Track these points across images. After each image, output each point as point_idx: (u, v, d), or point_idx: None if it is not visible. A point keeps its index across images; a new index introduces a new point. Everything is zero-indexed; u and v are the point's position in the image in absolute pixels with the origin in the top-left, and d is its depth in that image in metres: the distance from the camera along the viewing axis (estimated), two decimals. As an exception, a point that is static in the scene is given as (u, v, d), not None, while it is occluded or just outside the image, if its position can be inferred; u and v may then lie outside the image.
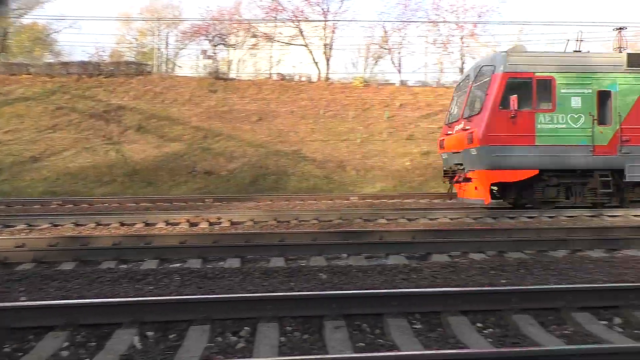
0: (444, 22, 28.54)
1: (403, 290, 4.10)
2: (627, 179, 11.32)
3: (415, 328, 3.78)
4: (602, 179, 11.18)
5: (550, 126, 11.17)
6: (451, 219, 10.47)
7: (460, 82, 13.67)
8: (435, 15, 32.19)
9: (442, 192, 16.10)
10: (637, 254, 6.50)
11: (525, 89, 11.13)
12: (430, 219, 10.37)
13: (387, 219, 10.26)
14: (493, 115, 10.96)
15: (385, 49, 32.72)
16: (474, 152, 11.16)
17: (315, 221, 10.08)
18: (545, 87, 11.27)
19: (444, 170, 13.08)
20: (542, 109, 11.27)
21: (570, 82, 11.32)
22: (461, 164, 11.95)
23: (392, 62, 33.24)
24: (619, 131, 11.32)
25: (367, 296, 3.89)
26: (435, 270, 5.44)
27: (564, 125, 11.22)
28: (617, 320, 4.05)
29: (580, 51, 12.32)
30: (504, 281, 4.95)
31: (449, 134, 12.66)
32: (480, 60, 14.30)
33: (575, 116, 11.28)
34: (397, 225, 9.59)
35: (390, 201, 15.46)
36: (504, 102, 10.99)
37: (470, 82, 12.08)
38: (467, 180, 11.63)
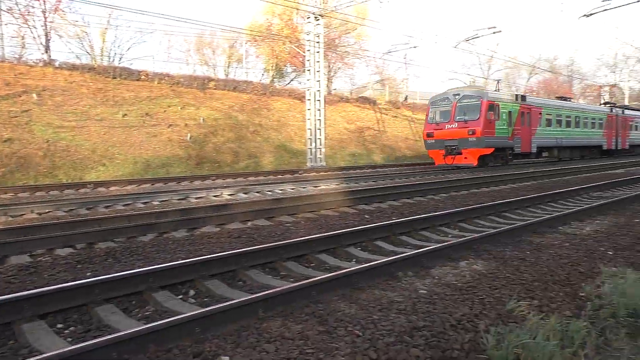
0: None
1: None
2: (515, 152, 23.02)
3: (-21, 347, 3.31)
4: (509, 151, 22.72)
5: (498, 127, 21.49)
6: (39, 213, 9.59)
7: (435, 100, 22.90)
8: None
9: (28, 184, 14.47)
10: (211, 230, 7.50)
11: (493, 109, 21.26)
12: (13, 216, 9.22)
13: (-47, 221, 8.55)
14: (485, 121, 20.67)
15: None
16: (473, 139, 20.61)
17: None
18: (497, 108, 21.54)
19: (430, 149, 22.54)
20: (496, 119, 21.31)
21: (503, 106, 21.93)
22: (454, 146, 21.14)
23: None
24: (513, 130, 22.44)
25: None
26: (12, 274, 4.89)
27: (501, 127, 21.69)
28: (192, 292, 4.59)
29: (498, 90, 25.24)
30: (89, 274, 4.88)
31: (440, 130, 21.77)
32: (456, 90, 22.88)
33: (504, 122, 21.85)
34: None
35: (-40, 199, 12.92)
36: (487, 115, 20.84)
37: (454, 102, 21.63)
38: (459, 153, 20.99)
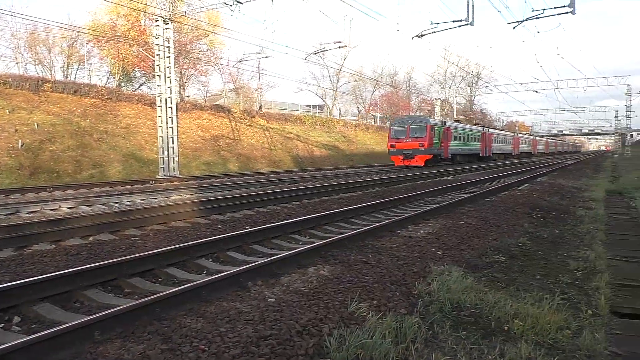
0: None
1: None
2: (442, 157, 33.03)
3: None
4: (439, 157, 32.33)
5: (435, 142, 31.09)
6: None
7: (395, 123, 33.64)
8: None
9: None
10: (45, 248, 6.79)
11: (432, 130, 30.97)
12: None
13: None
14: (429, 138, 30.10)
15: None
16: (422, 149, 29.89)
17: None
18: (435, 129, 31.42)
19: (392, 155, 32.05)
20: (433, 136, 30.92)
21: (436, 128, 31.61)
22: (410, 153, 30.33)
23: None
24: (441, 144, 32.16)
25: None
26: None
27: (436, 142, 31.28)
28: (17, 319, 4.10)
29: (432, 118, 40.77)
30: None
31: (400, 143, 31.09)
32: (409, 117, 35.00)
33: (437, 138, 31.39)
34: None
35: None
36: (430, 134, 30.42)
37: (407, 125, 31.33)
38: (412, 158, 30.11)
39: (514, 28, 19.83)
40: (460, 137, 37.70)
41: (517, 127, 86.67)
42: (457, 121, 42.41)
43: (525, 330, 3.89)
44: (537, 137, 71.45)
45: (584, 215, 10.48)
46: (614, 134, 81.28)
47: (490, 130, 47.80)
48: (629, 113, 59.59)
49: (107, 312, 3.61)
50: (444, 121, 36.35)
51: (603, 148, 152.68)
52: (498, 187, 15.41)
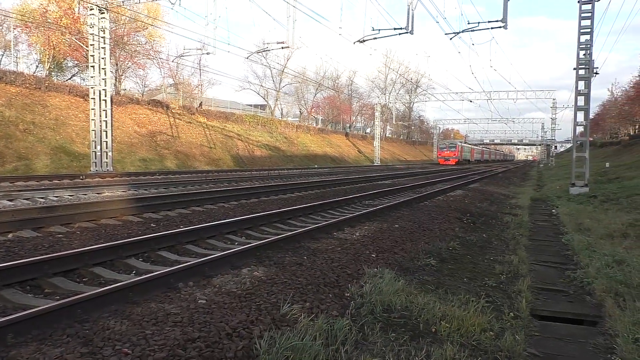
0: None
1: None
2: (460, 161, 64.19)
3: None
4: (460, 160, 64.49)
5: (459, 153, 65.28)
6: None
7: (440, 143, 71.58)
8: None
9: None
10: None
11: (460, 147, 67.14)
12: None
13: None
14: (457, 151, 64.77)
15: None
16: (455, 157, 64.03)
17: None
18: (459, 147, 66.52)
19: (439, 160, 66.14)
20: (459, 150, 65.75)
21: (459, 146, 66.69)
22: (448, 158, 63.79)
23: None
24: (461, 154, 66.25)
25: None
26: None
27: (459, 153, 65.30)
28: None
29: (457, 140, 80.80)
30: None
31: (445, 154, 64.67)
32: (447, 140, 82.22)
33: (460, 151, 65.40)
34: None
35: None
36: (458, 149, 65.51)
37: (447, 145, 67.35)
38: (449, 161, 63.06)
39: (450, 39, 20.60)
40: (465, 150, 68.05)
41: (452, 136, 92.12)
42: (461, 141, 75.13)
43: (451, 332, 4.02)
44: (463, 145, 76.93)
45: (510, 222, 11.01)
46: (540, 144, 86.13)
47: (474, 146, 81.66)
48: (554, 125, 62.99)
49: (23, 313, 3.39)
50: (461, 142, 71.06)
51: (530, 158, 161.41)
52: (433, 192, 15.89)
